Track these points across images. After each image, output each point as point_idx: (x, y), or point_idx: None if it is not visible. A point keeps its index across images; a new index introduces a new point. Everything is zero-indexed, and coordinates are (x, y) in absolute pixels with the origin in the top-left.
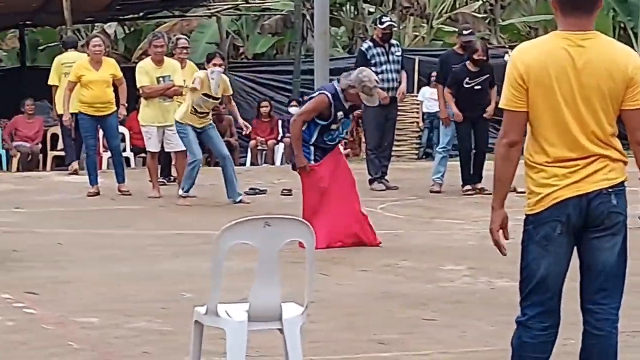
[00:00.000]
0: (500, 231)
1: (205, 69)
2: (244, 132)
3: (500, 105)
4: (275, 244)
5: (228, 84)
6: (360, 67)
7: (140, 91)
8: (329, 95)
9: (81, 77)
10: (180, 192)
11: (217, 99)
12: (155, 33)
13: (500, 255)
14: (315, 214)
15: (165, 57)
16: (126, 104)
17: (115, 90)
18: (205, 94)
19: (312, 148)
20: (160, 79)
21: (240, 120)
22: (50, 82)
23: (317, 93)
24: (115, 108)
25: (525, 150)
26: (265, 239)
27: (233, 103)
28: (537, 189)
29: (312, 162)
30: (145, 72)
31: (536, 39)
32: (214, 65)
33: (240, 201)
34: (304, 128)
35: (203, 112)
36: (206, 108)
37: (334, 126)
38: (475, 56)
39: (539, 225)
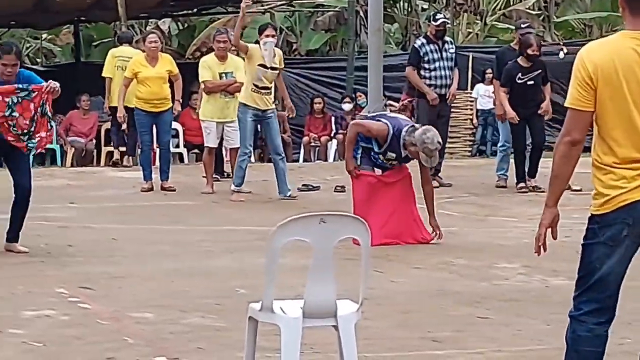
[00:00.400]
0: (549, 230)
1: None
2: (287, 114)
3: (565, 104)
4: (330, 240)
5: (282, 56)
6: (426, 127)
7: (202, 86)
8: (391, 132)
9: (137, 73)
10: (232, 187)
11: (274, 69)
12: (219, 29)
13: (555, 254)
14: (367, 210)
15: (228, 54)
16: (181, 100)
17: (171, 86)
18: (260, 65)
19: (360, 149)
20: (223, 74)
21: (288, 101)
22: (103, 74)
23: (385, 119)
24: (171, 104)
25: (592, 150)
26: (320, 235)
27: (281, 78)
28: (605, 190)
29: (358, 157)
30: (208, 67)
31: (604, 39)
32: (266, 36)
33: (290, 196)
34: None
35: (264, 86)
36: (266, 81)
37: (380, 157)
38: (529, 51)
39: (605, 226)
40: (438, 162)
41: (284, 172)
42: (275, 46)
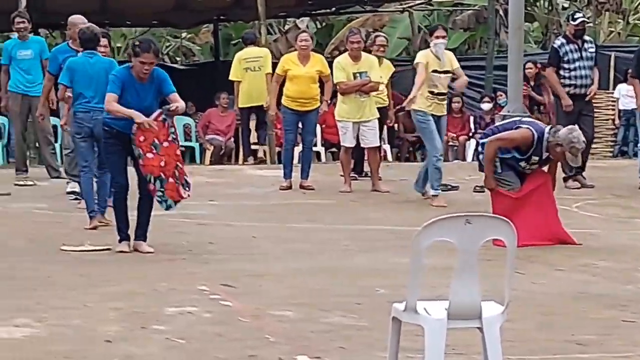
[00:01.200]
0: None
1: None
2: None
3: None
4: (475, 241)
5: (453, 57)
6: (570, 127)
7: (337, 87)
8: (536, 135)
9: (287, 71)
10: (432, 192)
11: (448, 72)
12: (352, 29)
13: None
14: (507, 216)
15: (362, 53)
16: (329, 101)
17: (322, 86)
18: (435, 70)
19: (499, 159)
20: (357, 74)
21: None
22: (231, 78)
23: (525, 125)
24: (319, 104)
25: None
26: (466, 236)
27: (465, 78)
28: None
29: (498, 165)
30: (342, 68)
31: None
32: (436, 37)
33: (424, 194)
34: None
35: (440, 92)
36: (442, 87)
37: (522, 164)
38: None
39: None
40: (583, 161)
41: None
42: (417, 47)
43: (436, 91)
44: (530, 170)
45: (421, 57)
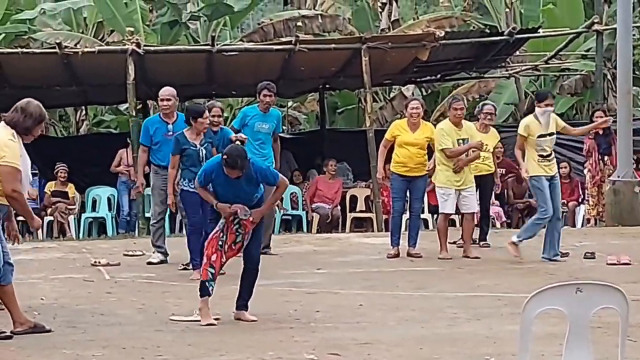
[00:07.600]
0: None
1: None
2: None
3: None
4: (587, 310)
5: (557, 118)
6: None
7: (443, 153)
8: None
9: (396, 136)
10: (515, 238)
11: (553, 133)
12: (455, 96)
13: None
14: None
15: (463, 121)
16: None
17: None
18: (540, 136)
19: None
20: (460, 141)
21: None
22: None
23: None
24: (426, 171)
25: None
26: (577, 305)
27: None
28: None
29: None
30: (447, 134)
31: None
32: (546, 105)
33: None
34: None
35: (548, 154)
36: (549, 149)
37: None
38: None
39: None
40: None
41: (559, 234)
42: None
43: (545, 154)
44: None
45: (522, 128)
